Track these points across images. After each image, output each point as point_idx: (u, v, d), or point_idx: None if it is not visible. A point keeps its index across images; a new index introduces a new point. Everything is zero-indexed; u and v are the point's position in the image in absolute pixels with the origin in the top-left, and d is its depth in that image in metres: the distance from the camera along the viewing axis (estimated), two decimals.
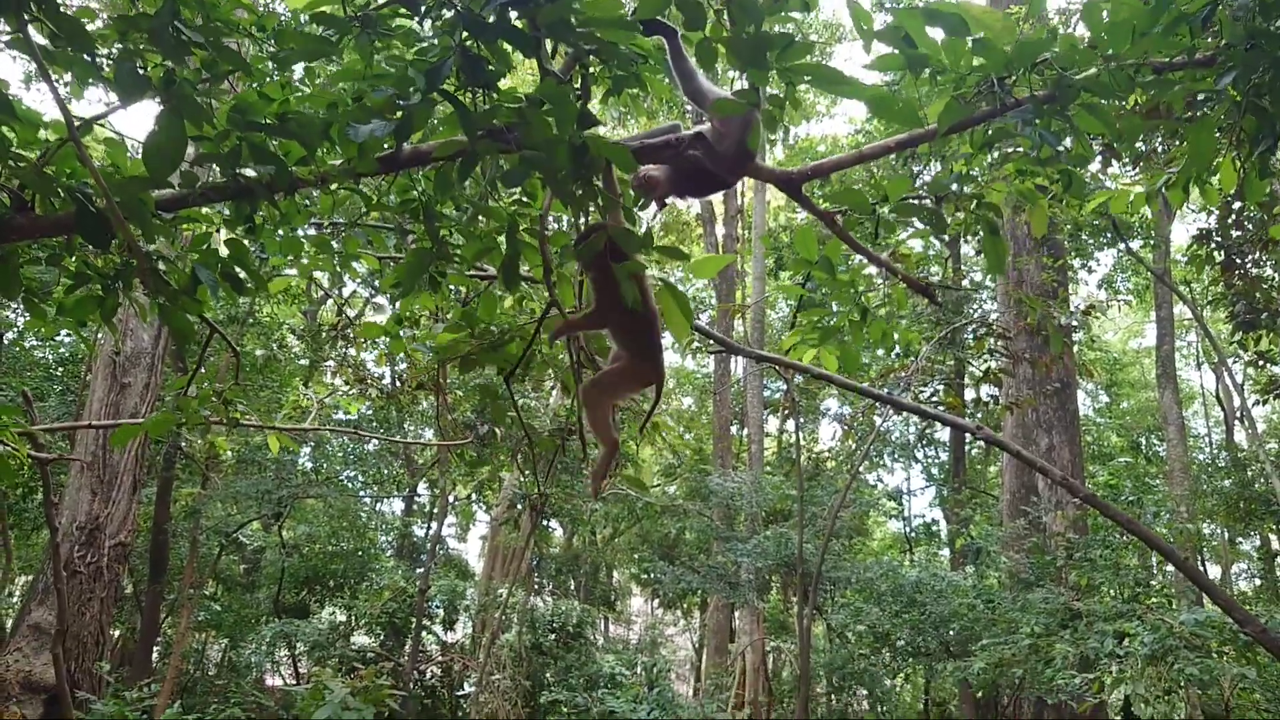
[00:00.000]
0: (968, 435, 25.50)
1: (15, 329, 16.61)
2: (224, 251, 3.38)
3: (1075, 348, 16.92)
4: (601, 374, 3.47)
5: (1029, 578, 11.22)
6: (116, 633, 17.55)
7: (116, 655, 15.58)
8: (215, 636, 21.84)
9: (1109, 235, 19.59)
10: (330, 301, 18.16)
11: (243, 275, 3.33)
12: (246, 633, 18.96)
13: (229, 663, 20.51)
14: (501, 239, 3.32)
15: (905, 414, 27.33)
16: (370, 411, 20.21)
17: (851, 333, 3.61)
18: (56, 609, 7.51)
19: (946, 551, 23.87)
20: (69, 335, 17.33)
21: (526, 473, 11.77)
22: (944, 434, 28.35)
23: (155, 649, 17.60)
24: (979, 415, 11.98)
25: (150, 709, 10.66)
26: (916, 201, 3.28)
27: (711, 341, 8.73)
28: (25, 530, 19.44)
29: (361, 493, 22.14)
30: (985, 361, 11.07)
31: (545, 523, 22.11)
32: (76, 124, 2.74)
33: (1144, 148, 10.09)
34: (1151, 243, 19.91)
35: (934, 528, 28.36)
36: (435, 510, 22.60)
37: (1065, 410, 15.91)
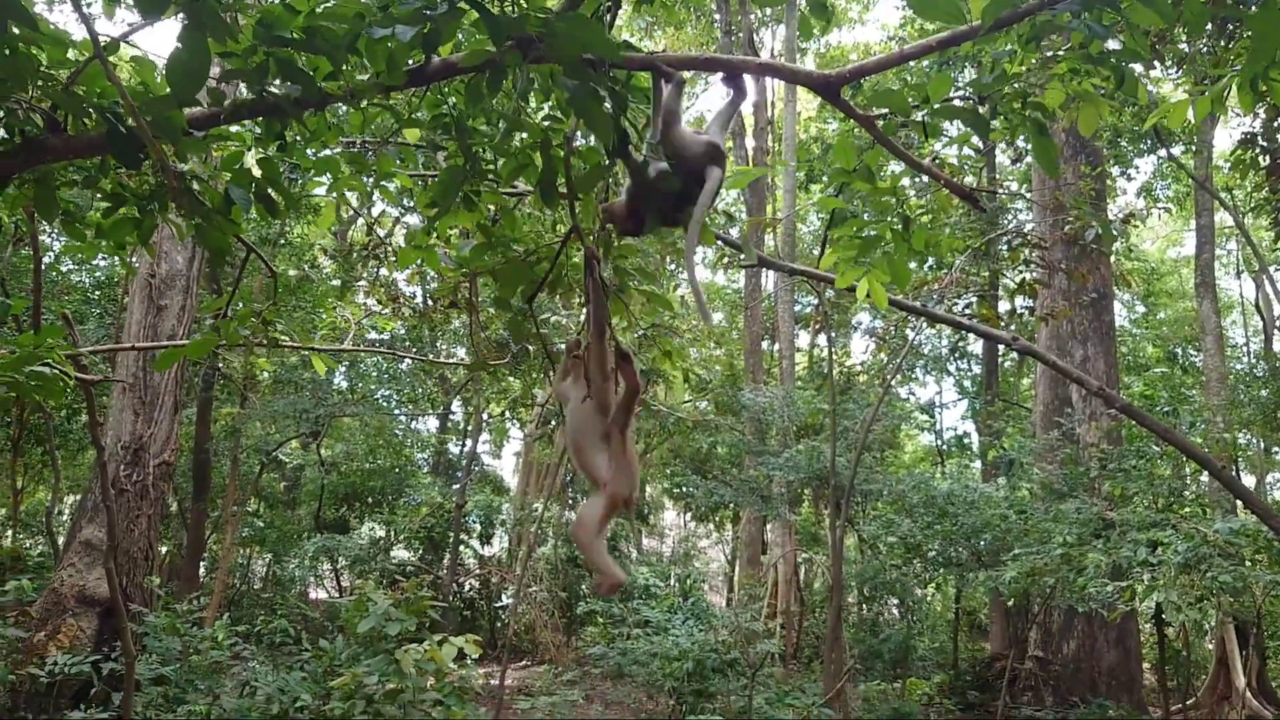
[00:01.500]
0: (1001, 347, 25.34)
1: (51, 252, 16.78)
2: (256, 172, 3.37)
3: (1112, 257, 16.66)
4: (586, 509, 3.38)
5: (1062, 489, 11.24)
6: (164, 550, 18.03)
7: (165, 571, 16.04)
8: (259, 552, 22.40)
9: (1149, 142, 19.14)
10: (360, 221, 18.17)
11: (275, 196, 3.32)
12: (289, 548, 19.43)
13: (274, 577, 21.09)
14: (537, 155, 3.28)
15: (938, 326, 27.17)
16: (404, 331, 20.37)
17: (894, 243, 3.52)
18: (106, 525, 7.71)
19: (978, 465, 23.91)
20: (105, 259, 17.49)
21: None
22: (976, 347, 28.18)
23: (202, 565, 18.08)
24: (1013, 327, 11.89)
25: (200, 620, 11.00)
26: (959, 104, 3.19)
27: (742, 256, 8.65)
28: (71, 451, 19.88)
29: (396, 411, 22.42)
30: (1020, 273, 10.94)
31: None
32: (103, 41, 2.71)
33: (1188, 48, 9.78)
34: (1193, 148, 19.42)
35: (965, 441, 28.38)
36: (470, 428, 22.89)
37: (1101, 321, 15.74)
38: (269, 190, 3.29)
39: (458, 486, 18.91)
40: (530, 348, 9.96)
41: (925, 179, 10.42)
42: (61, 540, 15.13)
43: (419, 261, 4.71)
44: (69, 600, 10.15)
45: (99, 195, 3.41)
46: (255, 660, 11.01)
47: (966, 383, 27.61)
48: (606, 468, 3.26)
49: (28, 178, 3.27)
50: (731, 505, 25.50)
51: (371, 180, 3.89)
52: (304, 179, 3.84)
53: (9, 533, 18.84)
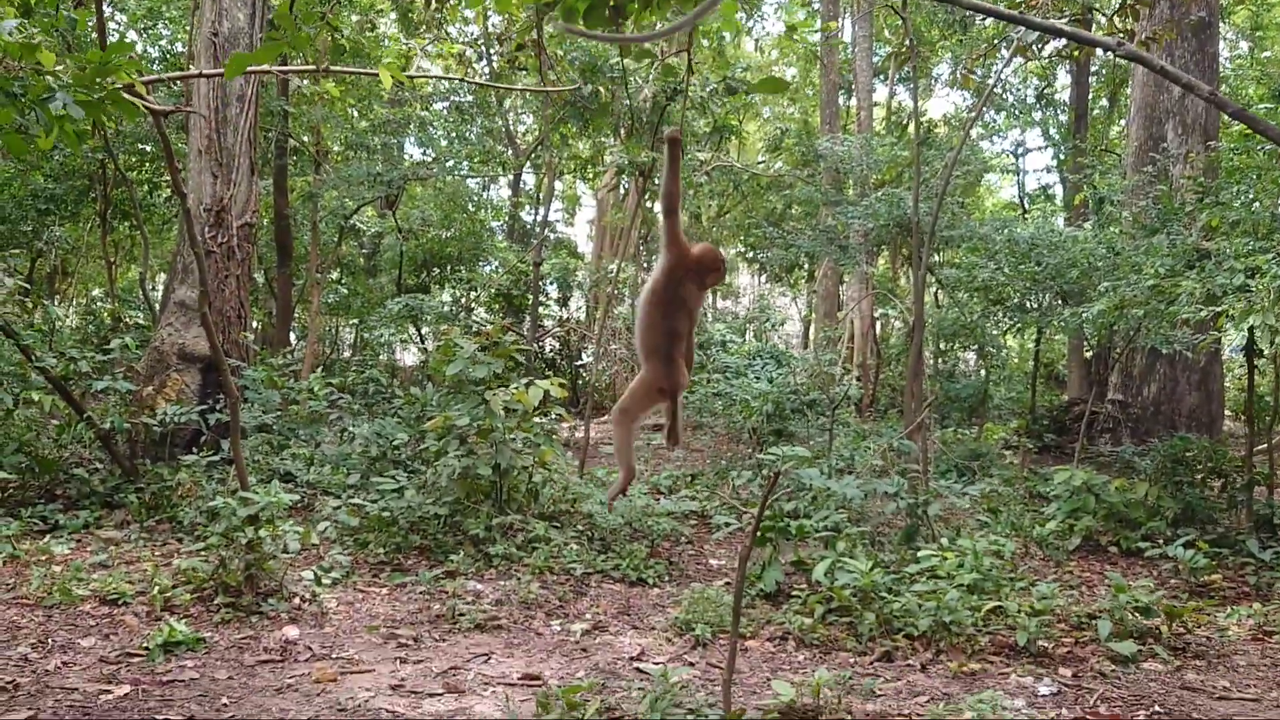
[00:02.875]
0: (1091, 92, 24.04)
1: (116, 24, 16.57)
2: None
3: None
4: (627, 394, 3.48)
5: (1154, 224, 10.83)
6: (255, 324, 18.68)
7: (258, 337, 16.64)
8: (345, 320, 23.09)
9: None
10: None
11: None
12: (374, 313, 19.94)
13: (362, 342, 21.79)
14: None
15: (1023, 71, 25.76)
16: (471, 99, 19.99)
17: None
18: (198, 276, 7.91)
19: (1060, 220, 23.15)
20: (168, 28, 17.22)
21: (631, 141, 11.57)
22: (1064, 94, 26.78)
23: (292, 332, 18.72)
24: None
25: (295, 374, 11.46)
26: None
27: None
28: (156, 226, 20.34)
29: (468, 178, 22.34)
30: None
31: (649, 202, 22.10)
32: None
33: None
34: None
35: (1050, 191, 27.47)
36: (542, 194, 22.76)
37: (1204, 53, 14.75)
38: None
39: (534, 244, 18.96)
40: (601, 90, 9.68)
41: None
42: (158, 306, 15.66)
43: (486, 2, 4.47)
44: (170, 357, 10.58)
45: None
46: (351, 409, 11.49)
47: (1052, 129, 26.40)
48: (664, 361, 3.34)
49: None
50: (806, 265, 25.35)
51: None
52: None
53: (110, 304, 19.59)
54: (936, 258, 15.76)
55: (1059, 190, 26.52)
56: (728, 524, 8.24)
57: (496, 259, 21.79)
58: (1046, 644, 5.92)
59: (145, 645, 5.37)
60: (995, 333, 14.70)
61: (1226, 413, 17.96)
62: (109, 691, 4.70)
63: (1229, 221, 9.03)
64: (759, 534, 7.09)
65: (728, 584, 7.22)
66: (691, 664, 5.55)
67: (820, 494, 8.29)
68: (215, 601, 6.17)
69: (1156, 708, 4.90)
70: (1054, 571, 8.11)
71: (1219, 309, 7.97)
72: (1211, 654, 6.00)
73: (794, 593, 6.85)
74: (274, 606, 6.21)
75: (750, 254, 28.01)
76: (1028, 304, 13.15)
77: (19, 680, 4.80)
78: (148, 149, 16.35)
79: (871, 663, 5.68)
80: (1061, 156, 24.78)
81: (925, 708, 4.64)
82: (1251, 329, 8.00)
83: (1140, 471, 10.47)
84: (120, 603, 6.18)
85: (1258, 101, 24.04)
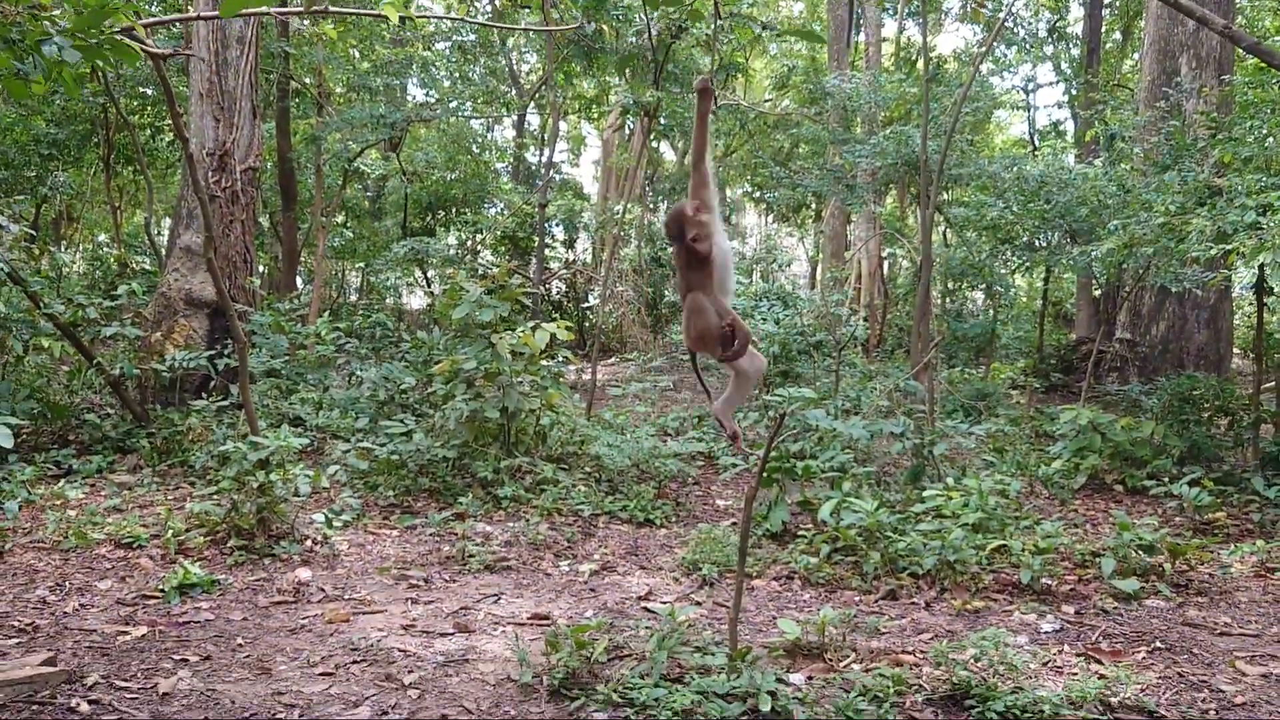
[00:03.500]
0: (1104, 24, 23.64)
1: None
2: None
3: None
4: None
5: (1165, 160, 10.70)
6: (262, 268, 18.64)
7: (264, 282, 16.62)
8: (351, 263, 23.05)
9: None
10: None
11: None
12: (379, 257, 19.89)
13: (368, 286, 21.77)
14: None
15: (1035, 4, 25.31)
16: (473, 37, 19.74)
17: None
18: (202, 222, 7.88)
19: (1071, 158, 22.88)
20: None
21: (635, 78, 11.42)
22: (1076, 27, 26.33)
23: (298, 277, 18.68)
24: None
25: (303, 318, 11.49)
26: None
27: None
28: (160, 170, 20.25)
29: (472, 119, 22.13)
30: None
31: (655, 142, 21.89)
32: None
33: None
34: None
35: (1060, 128, 27.13)
36: (546, 135, 22.56)
37: None
38: None
39: (539, 186, 18.85)
40: (605, 29, 9.53)
41: None
42: (164, 252, 15.63)
43: None
44: (178, 303, 10.61)
45: None
46: (358, 354, 11.53)
47: (1065, 66, 26.00)
48: (735, 352, 3.58)
49: None
50: (813, 204, 25.18)
51: None
52: None
53: (116, 250, 19.59)
54: (945, 196, 15.61)
55: (1070, 126, 26.19)
56: (734, 465, 8.29)
57: (501, 201, 21.69)
58: (1050, 582, 5.98)
59: (161, 587, 5.45)
60: (1003, 272, 14.61)
61: (1235, 351, 17.92)
62: (126, 633, 4.78)
63: (1241, 157, 8.92)
64: (765, 475, 7.14)
65: (734, 524, 7.28)
66: (698, 603, 5.62)
67: (826, 435, 8.33)
68: (228, 544, 6.26)
69: (1158, 643, 4.96)
70: (1059, 510, 8.16)
71: (1229, 246, 7.90)
72: (1214, 591, 6.05)
73: (800, 533, 6.92)
74: (286, 549, 6.29)
75: (757, 194, 27.82)
76: (1036, 243, 13.05)
77: (38, 622, 4.89)
78: (149, 93, 16.21)
79: (876, 601, 5.75)
80: (1073, 92, 24.44)
81: (929, 644, 4.70)
82: (1262, 266, 7.97)
83: (1147, 410, 10.48)
84: (135, 546, 6.27)
85: (1273, 34, 23.65)
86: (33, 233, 10.27)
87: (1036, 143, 26.95)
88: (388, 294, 21.26)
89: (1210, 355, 14.57)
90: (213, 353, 9.78)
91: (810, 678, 4.32)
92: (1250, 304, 15.51)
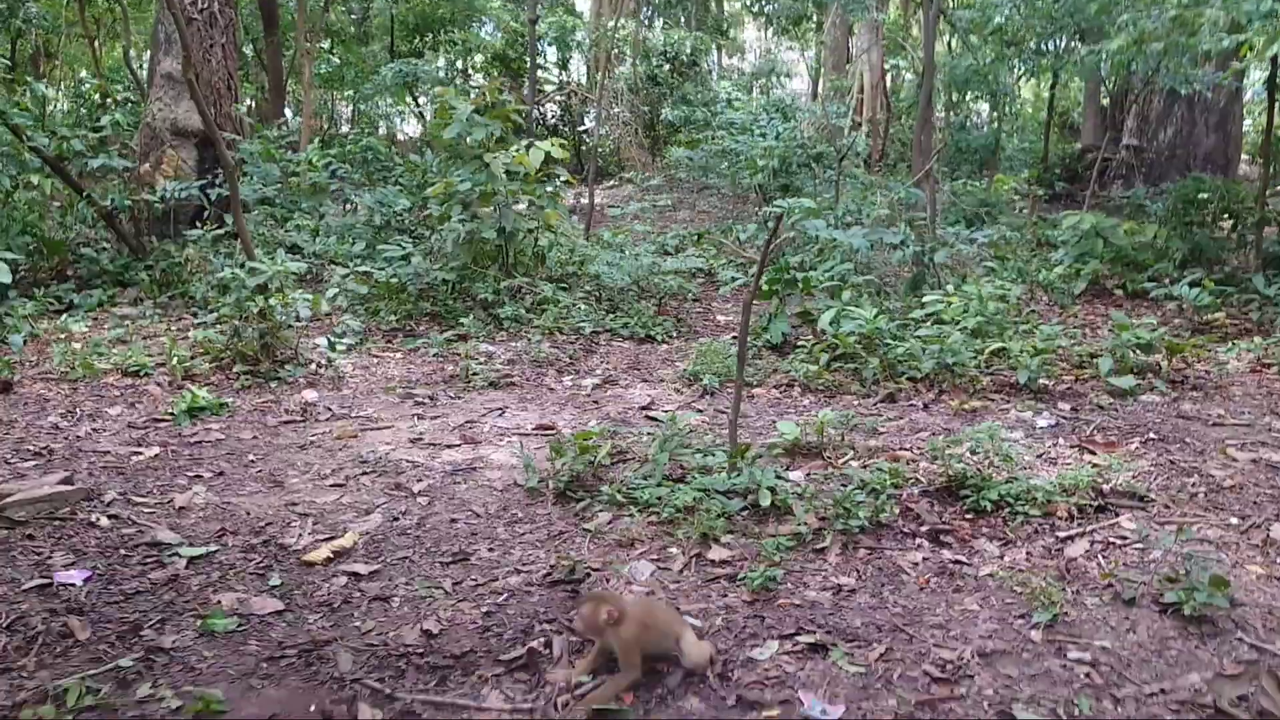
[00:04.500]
0: None
1: None
2: None
3: None
4: None
5: None
6: (249, 100, 18.14)
7: (252, 112, 16.22)
8: (340, 92, 22.44)
9: None
10: None
11: None
12: (368, 82, 19.35)
13: (358, 114, 21.28)
14: None
15: None
16: None
17: None
18: (180, 45, 7.62)
19: None
20: None
21: None
22: None
23: (287, 108, 18.21)
24: None
25: (293, 145, 11.25)
26: None
27: None
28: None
29: None
30: None
31: None
32: None
33: None
34: None
35: None
36: None
37: None
38: None
39: (529, 1, 18.16)
40: None
41: None
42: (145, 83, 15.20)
43: None
44: (164, 133, 10.38)
45: None
46: (351, 179, 11.35)
47: None
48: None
49: None
50: (814, 15, 24.24)
51: None
52: None
53: (97, 82, 19.07)
54: (949, 1, 15.01)
55: None
56: (734, 279, 8.29)
57: (491, 19, 20.93)
58: (1047, 382, 6.06)
59: (170, 411, 5.53)
60: (1009, 80, 14.19)
61: (1244, 156, 17.61)
62: (140, 453, 4.88)
63: None
64: (764, 286, 7.14)
65: (734, 338, 7.33)
66: (699, 410, 5.71)
67: (826, 245, 8.28)
68: (234, 370, 6.32)
69: (1151, 434, 5.05)
70: (1059, 315, 8.19)
71: (1242, 38, 7.63)
72: (1209, 386, 6.13)
73: (800, 344, 6.96)
74: (291, 372, 6.36)
75: (755, 6, 26.73)
76: (1044, 47, 12.64)
77: (52, 446, 4.98)
78: None
79: (875, 404, 5.83)
80: None
81: (926, 441, 4.79)
82: (1275, 59, 7.71)
83: (1151, 214, 10.38)
84: (142, 374, 6.33)
85: None
86: (10, 63, 9.97)
87: None
88: (379, 121, 20.80)
89: (1218, 160, 14.34)
90: (204, 182, 9.63)
91: (809, 474, 4.42)
92: (1261, 107, 15.13)
